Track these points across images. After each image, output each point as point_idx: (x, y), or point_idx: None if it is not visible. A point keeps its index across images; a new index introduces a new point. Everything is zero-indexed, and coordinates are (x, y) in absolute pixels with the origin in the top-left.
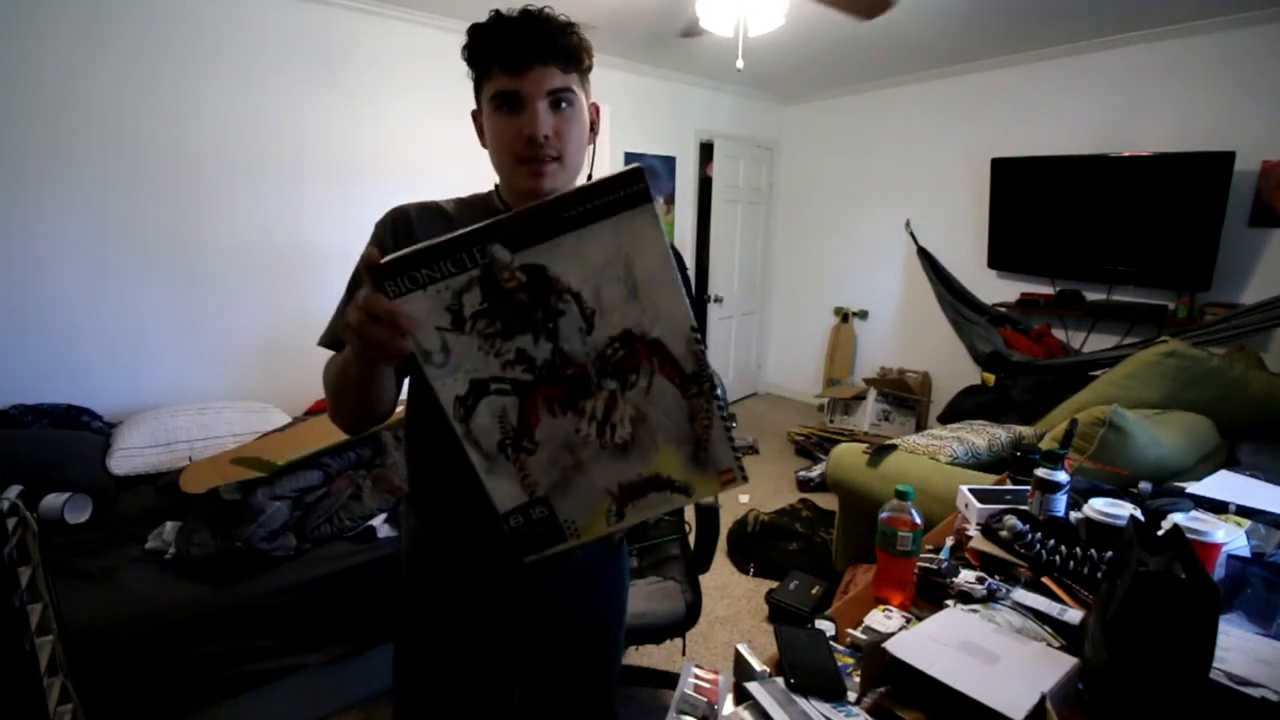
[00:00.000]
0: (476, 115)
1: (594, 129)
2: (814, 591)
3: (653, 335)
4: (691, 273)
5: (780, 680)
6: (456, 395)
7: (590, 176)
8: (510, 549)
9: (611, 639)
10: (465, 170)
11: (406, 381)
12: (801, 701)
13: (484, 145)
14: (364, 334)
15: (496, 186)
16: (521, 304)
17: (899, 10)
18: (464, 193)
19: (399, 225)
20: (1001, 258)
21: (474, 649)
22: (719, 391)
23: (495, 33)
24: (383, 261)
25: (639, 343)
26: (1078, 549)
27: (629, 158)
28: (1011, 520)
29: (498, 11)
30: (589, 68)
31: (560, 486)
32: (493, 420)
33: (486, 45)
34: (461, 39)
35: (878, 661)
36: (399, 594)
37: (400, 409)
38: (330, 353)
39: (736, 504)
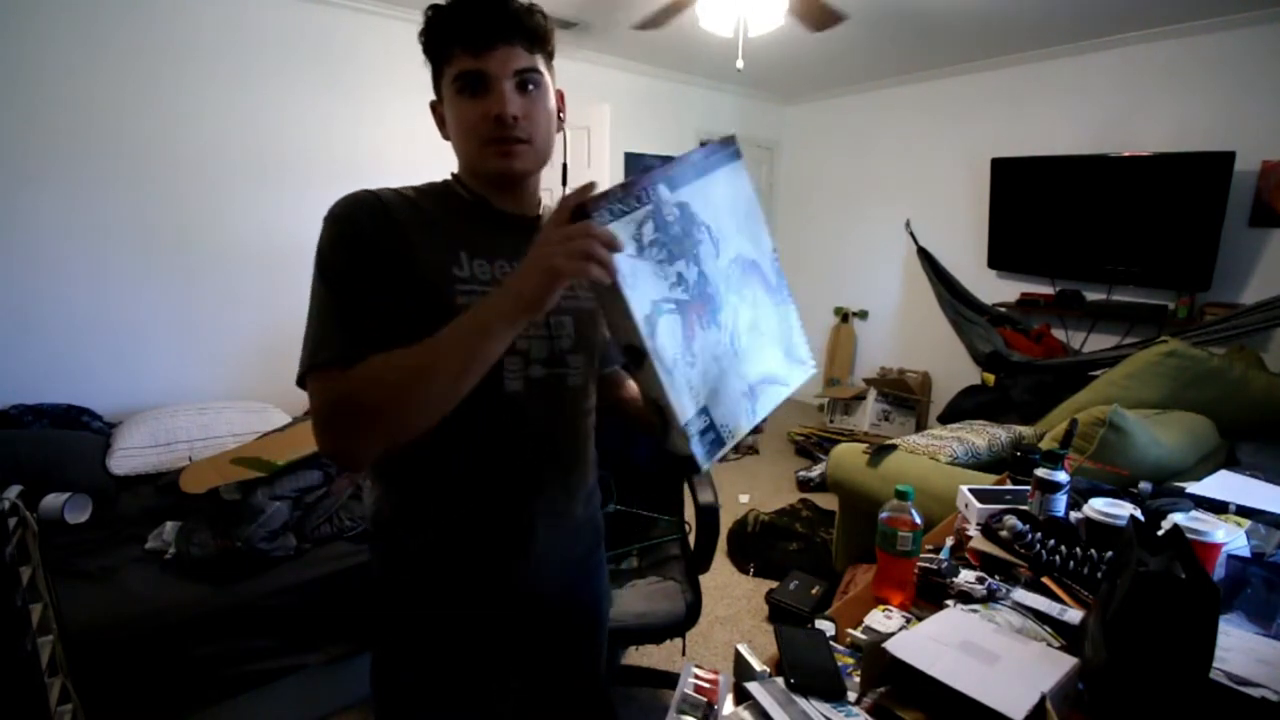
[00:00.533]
0: (436, 106)
1: (560, 116)
2: (814, 591)
3: (752, 258)
4: None
5: (780, 680)
6: (644, 314)
7: (565, 165)
8: (691, 463)
9: (602, 624)
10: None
11: None
12: (801, 701)
13: (445, 136)
14: (590, 251)
15: (455, 175)
16: (679, 235)
17: (899, 10)
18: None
19: (376, 211)
20: (1001, 258)
21: (470, 657)
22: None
23: (456, 12)
24: (594, 195)
25: (746, 263)
26: (1078, 549)
27: (629, 158)
28: (1011, 520)
29: None
30: (553, 52)
31: (714, 396)
32: (669, 337)
33: (447, 27)
34: (419, 29)
35: (878, 661)
36: (379, 612)
37: None
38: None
39: (736, 504)
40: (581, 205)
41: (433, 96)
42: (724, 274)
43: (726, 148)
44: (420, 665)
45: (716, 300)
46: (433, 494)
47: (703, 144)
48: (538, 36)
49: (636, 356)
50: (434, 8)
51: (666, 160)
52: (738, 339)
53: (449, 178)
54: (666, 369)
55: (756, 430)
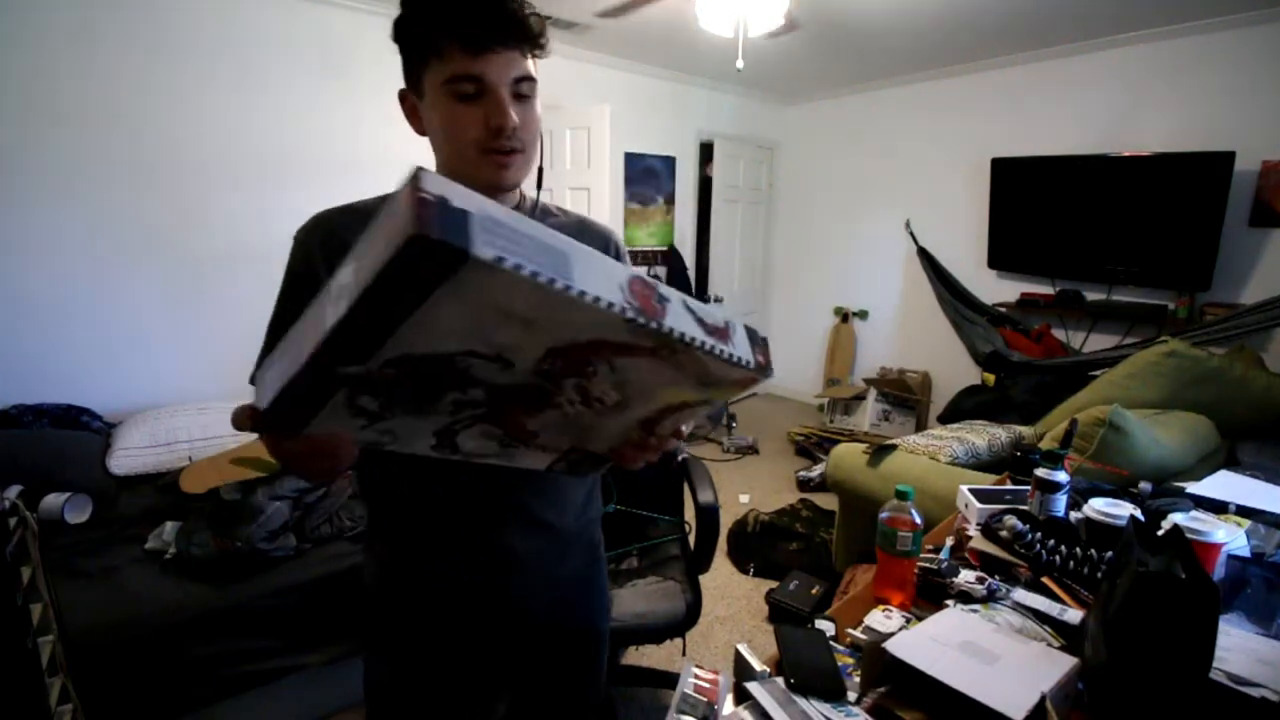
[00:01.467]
0: (407, 95)
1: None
2: (814, 591)
3: (584, 339)
4: (691, 273)
5: (780, 680)
6: (430, 446)
7: (540, 169)
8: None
9: (601, 642)
10: None
11: None
12: (801, 701)
13: (419, 131)
14: (309, 470)
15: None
16: (412, 387)
17: (900, 10)
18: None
19: (327, 237)
20: (1001, 258)
21: (460, 669)
22: (705, 344)
23: (453, 5)
24: (254, 418)
25: (573, 348)
26: (1078, 549)
27: (629, 158)
28: (1011, 520)
29: None
30: (549, 52)
31: (583, 438)
32: (480, 439)
33: (438, 17)
34: (400, 12)
35: (878, 661)
36: (368, 623)
37: None
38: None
39: (736, 504)
40: (264, 425)
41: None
42: (533, 374)
43: (423, 258)
44: (406, 676)
45: (538, 393)
46: (411, 504)
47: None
48: (537, 40)
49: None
50: None
51: (666, 160)
52: (600, 401)
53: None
54: (494, 454)
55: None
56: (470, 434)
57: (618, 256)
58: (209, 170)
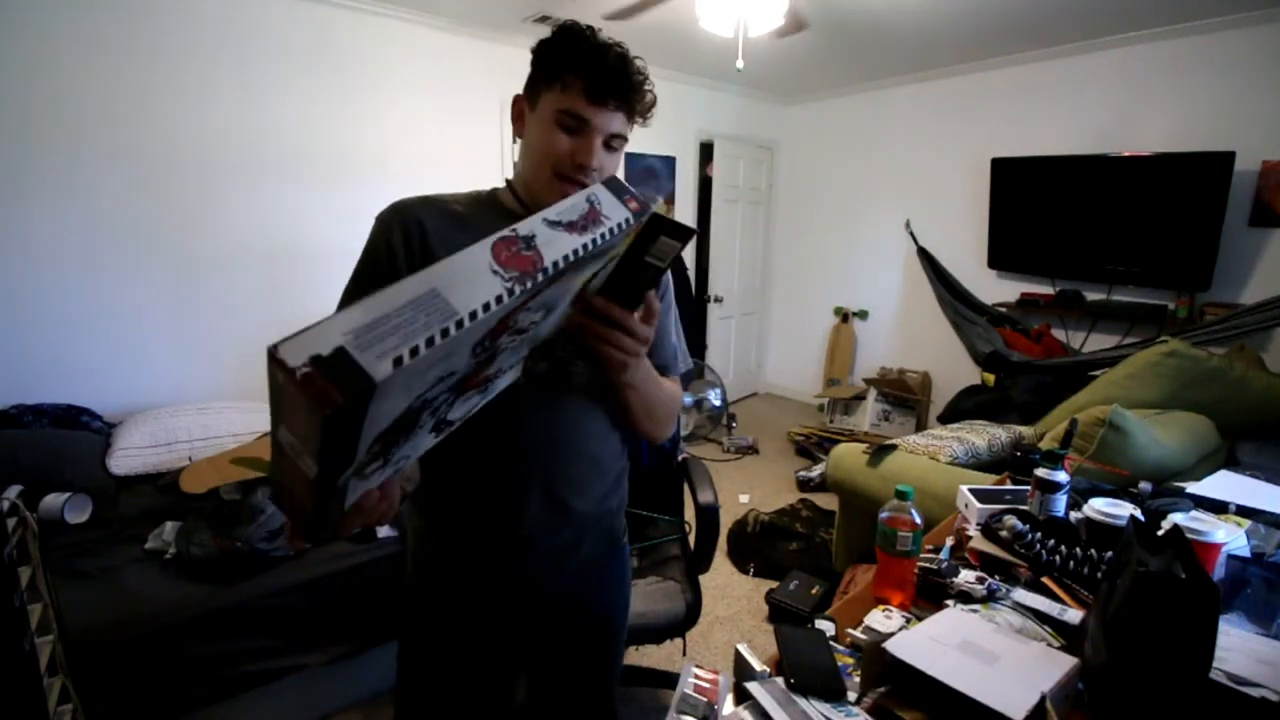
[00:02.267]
0: (520, 101)
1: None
2: (814, 591)
3: (494, 323)
4: (691, 273)
5: (780, 680)
6: (434, 439)
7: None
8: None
9: (616, 634)
10: (465, 170)
11: None
12: (801, 701)
13: (516, 134)
14: (375, 521)
15: (509, 183)
16: (395, 437)
17: (901, 9)
18: (465, 188)
19: (407, 224)
20: (1001, 258)
21: (480, 646)
22: (713, 394)
23: (593, 54)
24: (308, 537)
25: (492, 331)
26: (1078, 549)
27: (629, 158)
28: (1011, 520)
29: (594, 30)
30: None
31: (533, 343)
32: (460, 405)
33: (580, 59)
34: (460, 40)
35: (878, 661)
36: (404, 592)
37: None
38: None
39: (736, 504)
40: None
41: (518, 91)
42: (475, 356)
43: (342, 418)
44: (433, 651)
45: (482, 360)
46: (443, 475)
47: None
48: (643, 112)
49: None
50: (577, 33)
51: (666, 160)
52: (531, 324)
53: (502, 185)
54: (478, 404)
55: None
56: (451, 409)
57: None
58: (209, 170)
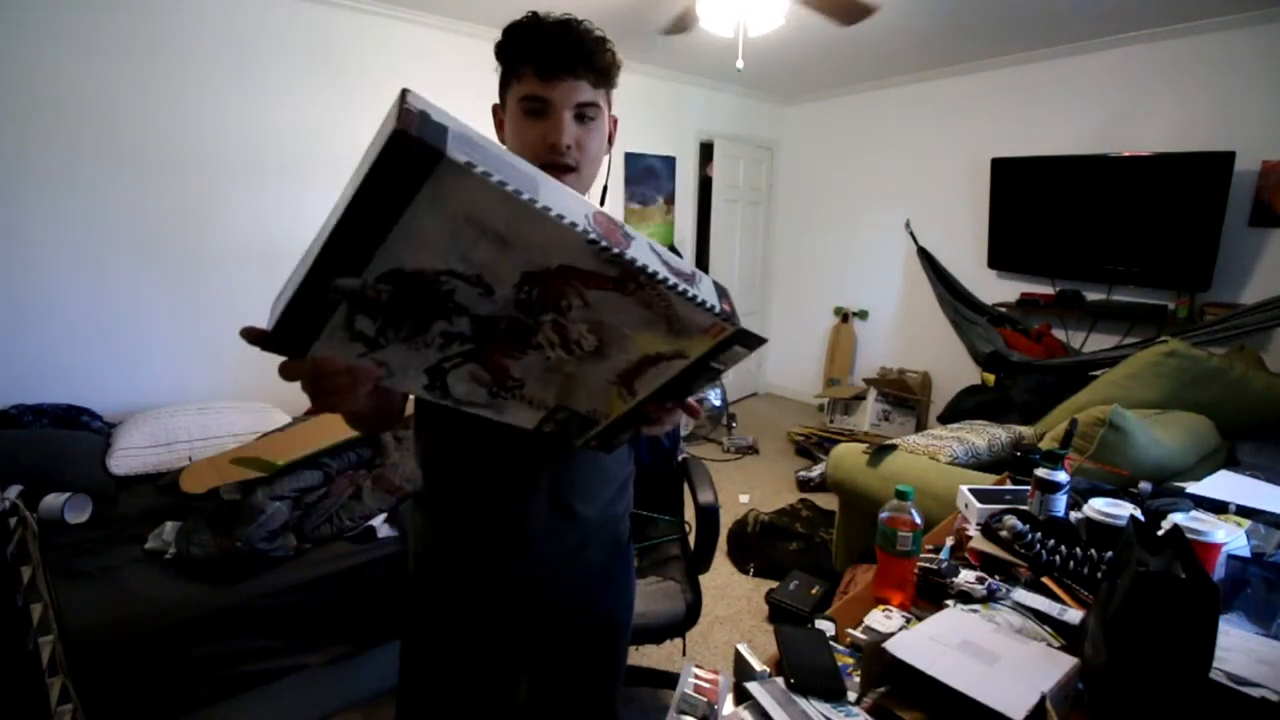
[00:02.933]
0: (498, 110)
1: (610, 140)
2: (814, 591)
3: (554, 264)
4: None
5: (780, 680)
6: (423, 386)
7: (605, 187)
8: (554, 445)
9: (619, 636)
10: None
11: None
12: (801, 701)
13: (501, 141)
14: (322, 398)
15: None
16: (406, 307)
17: (900, 9)
18: None
19: None
20: (1001, 258)
21: (481, 646)
22: (713, 395)
23: (533, 36)
24: (260, 337)
25: (546, 275)
26: (1078, 549)
27: (629, 158)
28: (1011, 520)
29: (535, 13)
30: (615, 84)
31: (566, 394)
32: (469, 383)
33: (522, 46)
34: (461, 40)
35: (878, 661)
36: (406, 592)
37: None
38: None
39: (736, 504)
40: (265, 346)
41: (494, 102)
42: (513, 301)
43: (405, 156)
44: (435, 651)
45: (519, 330)
46: (448, 475)
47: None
48: (604, 72)
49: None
50: (514, 25)
51: (666, 160)
52: (578, 345)
53: None
54: (483, 405)
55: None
56: (459, 376)
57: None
58: (209, 169)
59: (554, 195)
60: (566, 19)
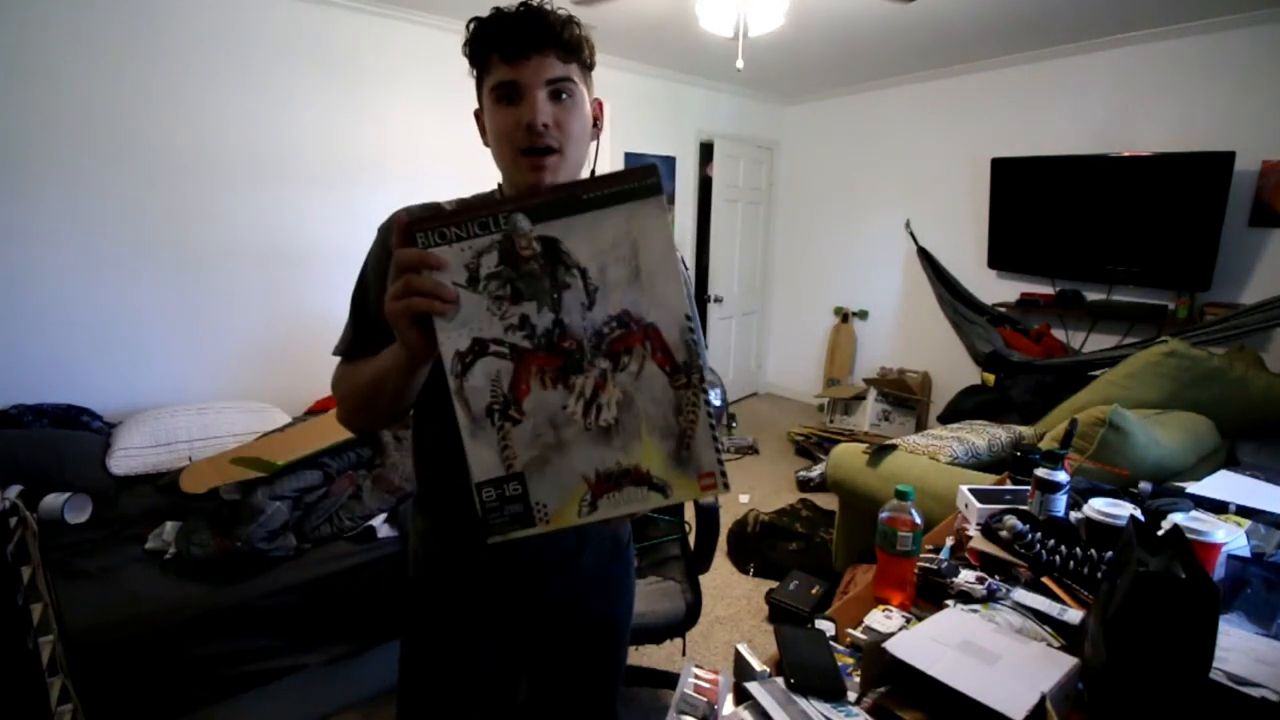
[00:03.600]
0: (479, 114)
1: (597, 124)
2: (814, 591)
3: (649, 319)
4: (691, 273)
5: (780, 680)
6: (458, 350)
7: (593, 173)
8: (479, 523)
9: (619, 637)
10: (466, 171)
11: None
12: (801, 701)
13: (486, 144)
14: (410, 287)
15: (499, 185)
16: (532, 272)
17: (899, 10)
18: (467, 193)
19: (400, 227)
20: (1001, 258)
21: (482, 649)
22: (714, 395)
23: (494, 24)
24: (418, 218)
25: (635, 325)
26: (1078, 549)
27: (629, 158)
28: (1011, 520)
29: (498, 7)
30: (591, 63)
31: (538, 464)
32: (486, 381)
33: (486, 37)
34: (462, 40)
35: (878, 661)
36: (406, 594)
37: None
38: (336, 362)
39: (736, 504)
40: (408, 226)
41: (475, 107)
42: (594, 331)
43: (639, 180)
44: (434, 653)
45: (574, 360)
46: (446, 477)
47: (596, 174)
48: (573, 46)
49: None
50: (476, 19)
51: (666, 160)
52: (596, 412)
53: (497, 186)
54: (472, 417)
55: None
56: (487, 366)
57: None
58: (210, 170)
59: (679, 277)
60: (525, 2)
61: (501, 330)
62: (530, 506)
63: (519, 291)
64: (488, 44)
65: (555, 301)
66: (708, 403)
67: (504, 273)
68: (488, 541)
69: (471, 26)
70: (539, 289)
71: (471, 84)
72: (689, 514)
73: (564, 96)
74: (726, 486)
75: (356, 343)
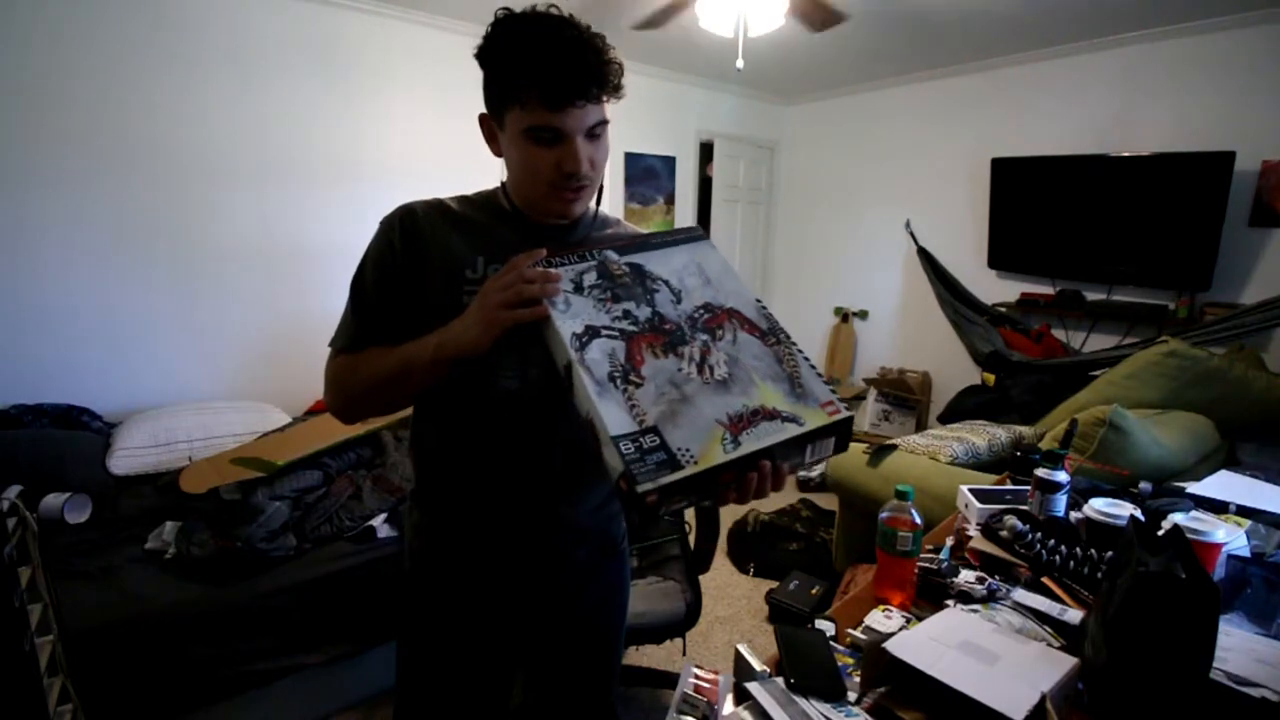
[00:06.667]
0: (486, 120)
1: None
2: (814, 591)
3: (728, 305)
4: None
5: (780, 680)
6: (574, 331)
7: (601, 186)
8: (628, 480)
9: (613, 639)
10: (466, 171)
11: None
12: (801, 701)
13: (495, 152)
14: (520, 290)
15: (503, 185)
16: (626, 284)
17: (899, 10)
18: (467, 191)
19: (406, 224)
20: (1001, 258)
21: (478, 645)
22: (801, 349)
23: (539, 59)
24: (539, 261)
25: (719, 309)
26: (1078, 549)
27: (629, 157)
28: (1011, 520)
29: (535, 11)
30: (622, 93)
31: (668, 417)
32: (603, 356)
33: (527, 71)
34: (463, 40)
35: (878, 661)
36: (402, 589)
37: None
38: (326, 354)
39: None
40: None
41: (480, 109)
42: (688, 317)
43: (690, 233)
44: (430, 650)
45: (677, 335)
46: (451, 476)
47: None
48: (615, 87)
49: (567, 373)
50: (511, 36)
51: (666, 160)
52: (710, 370)
53: (499, 185)
54: (596, 381)
55: (770, 463)
56: (602, 345)
57: None
58: (210, 170)
59: (739, 278)
60: (574, 34)
61: (609, 320)
62: (672, 453)
63: (618, 295)
64: (529, 79)
65: (650, 300)
66: (800, 353)
67: (603, 284)
68: (637, 490)
69: (503, 40)
70: (634, 293)
71: (472, 84)
72: (689, 514)
73: (598, 136)
74: (849, 412)
75: (360, 334)
